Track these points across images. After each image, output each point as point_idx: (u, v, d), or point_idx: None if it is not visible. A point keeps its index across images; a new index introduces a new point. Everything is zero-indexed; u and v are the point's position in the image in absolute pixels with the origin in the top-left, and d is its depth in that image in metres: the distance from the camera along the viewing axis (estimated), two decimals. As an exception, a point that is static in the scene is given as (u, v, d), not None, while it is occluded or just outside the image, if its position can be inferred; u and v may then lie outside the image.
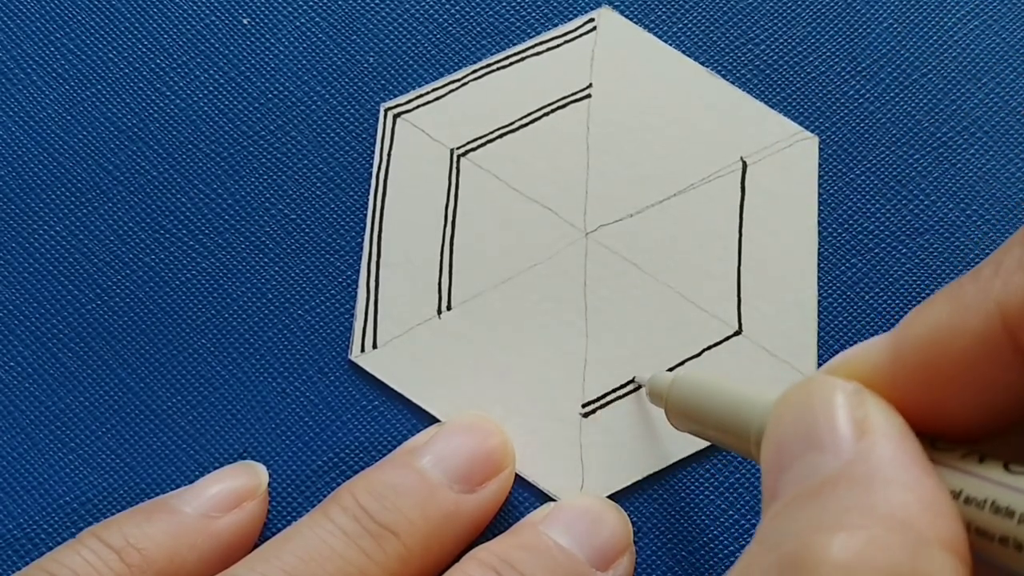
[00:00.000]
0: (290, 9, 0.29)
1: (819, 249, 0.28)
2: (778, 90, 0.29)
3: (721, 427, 0.21)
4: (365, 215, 0.28)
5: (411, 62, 0.29)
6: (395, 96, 0.29)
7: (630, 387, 0.27)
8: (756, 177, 0.28)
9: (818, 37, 0.29)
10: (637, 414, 0.27)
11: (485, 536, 0.25)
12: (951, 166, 0.28)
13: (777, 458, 0.17)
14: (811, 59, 0.29)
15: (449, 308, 0.27)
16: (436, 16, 0.29)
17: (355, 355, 0.27)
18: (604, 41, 0.29)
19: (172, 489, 0.26)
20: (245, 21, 0.29)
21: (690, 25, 0.29)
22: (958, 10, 0.29)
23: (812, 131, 0.28)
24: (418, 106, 0.28)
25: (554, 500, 0.26)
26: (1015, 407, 0.16)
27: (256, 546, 0.24)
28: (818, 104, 0.29)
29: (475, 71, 0.29)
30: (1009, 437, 0.17)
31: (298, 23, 0.29)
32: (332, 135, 0.28)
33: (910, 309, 0.27)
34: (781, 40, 0.29)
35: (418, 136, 0.28)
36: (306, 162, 0.28)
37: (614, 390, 0.27)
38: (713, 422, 0.22)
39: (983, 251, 0.28)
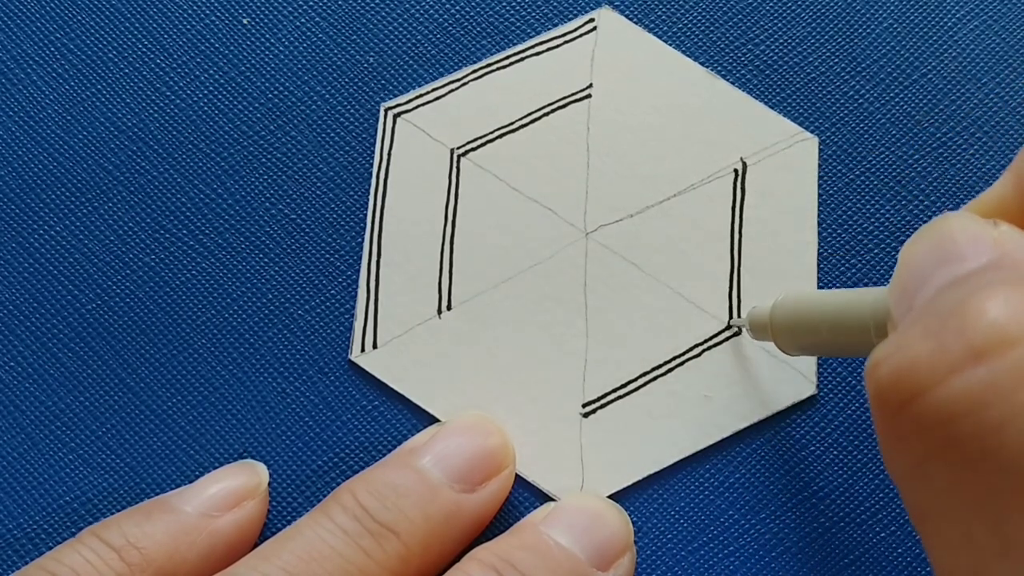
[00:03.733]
0: (290, 9, 0.29)
1: (819, 249, 0.28)
2: (778, 90, 0.29)
3: (835, 327, 0.22)
4: (365, 215, 0.28)
5: (411, 62, 0.29)
6: (395, 96, 0.29)
7: (631, 386, 0.27)
8: (756, 177, 0.28)
9: (818, 37, 0.29)
10: (637, 414, 0.27)
11: (485, 536, 0.25)
12: (951, 166, 0.28)
13: (910, 283, 0.17)
14: (811, 59, 0.29)
15: (449, 308, 0.27)
16: (436, 16, 0.29)
17: (355, 355, 0.27)
18: (604, 41, 0.29)
19: (172, 489, 0.26)
20: (245, 21, 0.29)
21: (690, 25, 0.29)
22: (958, 10, 0.29)
23: (812, 131, 0.28)
24: (418, 106, 0.29)
25: (554, 500, 0.26)
26: None
27: (256, 545, 0.24)
28: (818, 104, 0.29)
29: (475, 71, 0.29)
30: None
31: (298, 23, 0.29)
32: (332, 135, 0.28)
33: (910, 309, 0.27)
34: (781, 40, 0.29)
35: (418, 136, 0.28)
36: (306, 162, 0.28)
37: (614, 390, 0.27)
38: (826, 325, 0.22)
39: (983, 251, 0.28)
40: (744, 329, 0.27)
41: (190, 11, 0.29)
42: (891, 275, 0.28)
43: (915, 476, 0.16)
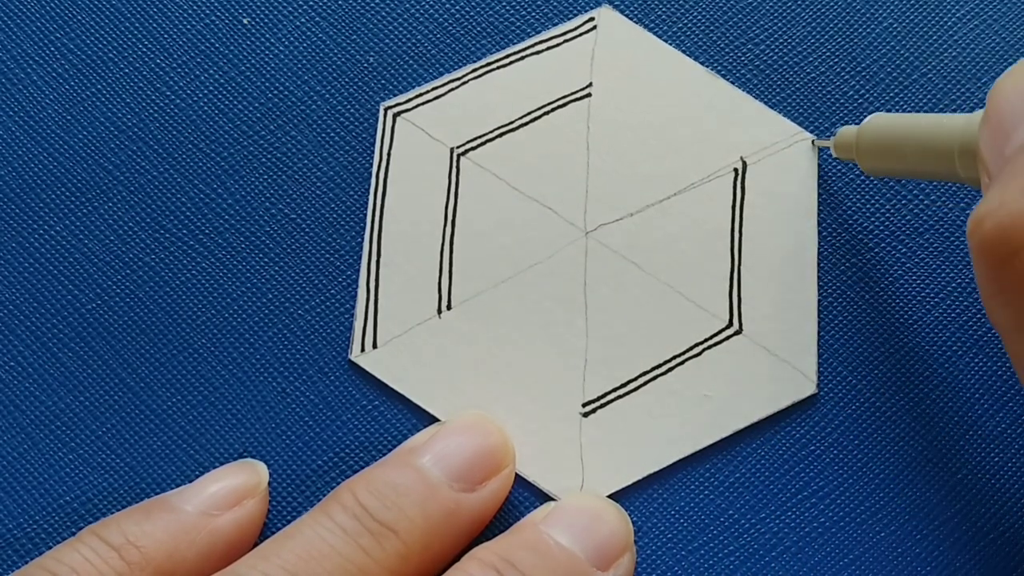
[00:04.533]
0: (290, 9, 0.29)
1: (819, 249, 0.28)
2: (778, 90, 0.29)
3: (920, 149, 0.23)
4: (365, 215, 0.28)
5: (411, 62, 0.29)
6: (395, 96, 0.29)
7: (631, 386, 0.27)
8: (756, 177, 0.28)
9: (818, 37, 0.29)
10: (637, 414, 0.27)
11: (485, 535, 0.25)
12: (951, 166, 0.28)
13: (1000, 126, 0.18)
14: (811, 59, 0.29)
15: (449, 308, 0.27)
16: (436, 16, 0.29)
17: (355, 355, 0.27)
18: (604, 40, 0.29)
19: (172, 489, 0.26)
20: (245, 21, 0.29)
21: (690, 25, 0.29)
22: (958, 10, 0.29)
23: (812, 131, 0.28)
24: (418, 105, 0.29)
25: (554, 500, 0.26)
26: None
27: (256, 544, 0.24)
28: (818, 104, 0.29)
29: (475, 70, 0.29)
30: None
31: (298, 23, 0.29)
32: (332, 135, 0.28)
33: (910, 309, 0.27)
34: (781, 40, 0.29)
35: (418, 135, 0.28)
36: (306, 162, 0.28)
37: (614, 390, 0.27)
38: (911, 147, 0.23)
39: (983, 251, 0.28)
40: (829, 147, 0.27)
41: (190, 11, 0.29)
42: (891, 275, 0.28)
43: (1020, 327, 0.16)
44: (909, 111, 0.29)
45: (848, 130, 0.26)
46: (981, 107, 0.28)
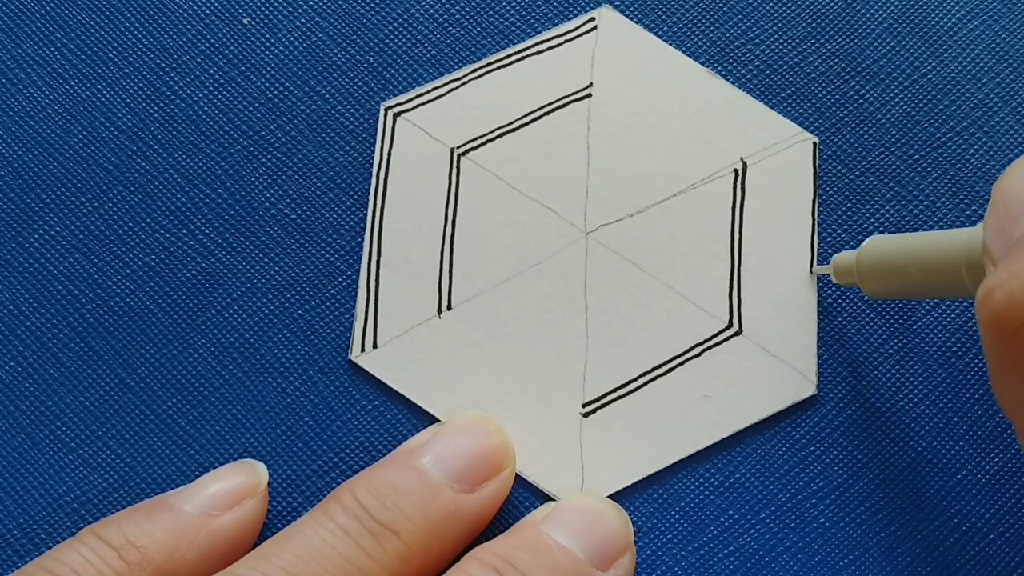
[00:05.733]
0: (290, 9, 0.29)
1: (819, 249, 0.28)
2: (778, 90, 0.29)
3: (925, 267, 0.22)
4: (365, 215, 0.28)
5: (411, 62, 0.29)
6: (395, 96, 0.29)
7: (631, 386, 0.27)
8: (756, 177, 0.28)
9: (818, 37, 0.29)
10: (637, 414, 0.27)
11: (485, 536, 0.25)
12: (951, 166, 0.28)
13: (1007, 216, 0.17)
14: (811, 59, 0.29)
15: (449, 308, 0.27)
16: (436, 16, 0.29)
17: (355, 355, 0.27)
18: (604, 40, 0.29)
19: (172, 489, 0.26)
20: (245, 21, 0.29)
21: (690, 25, 0.29)
22: (958, 10, 0.29)
23: (812, 131, 0.28)
24: (418, 105, 0.29)
25: (554, 500, 0.26)
26: None
27: (256, 545, 0.24)
28: (818, 104, 0.29)
29: (475, 70, 0.29)
30: None
31: (298, 23, 0.29)
32: (332, 135, 0.28)
33: (910, 309, 0.27)
34: (781, 40, 0.29)
35: (418, 135, 0.28)
36: (306, 162, 0.28)
37: (614, 390, 0.27)
38: (916, 266, 0.22)
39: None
40: (829, 274, 0.27)
41: (190, 11, 0.29)
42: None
43: None
44: (909, 111, 0.29)
45: (846, 256, 0.25)
46: (981, 107, 0.28)
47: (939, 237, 0.22)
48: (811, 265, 0.28)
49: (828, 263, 0.27)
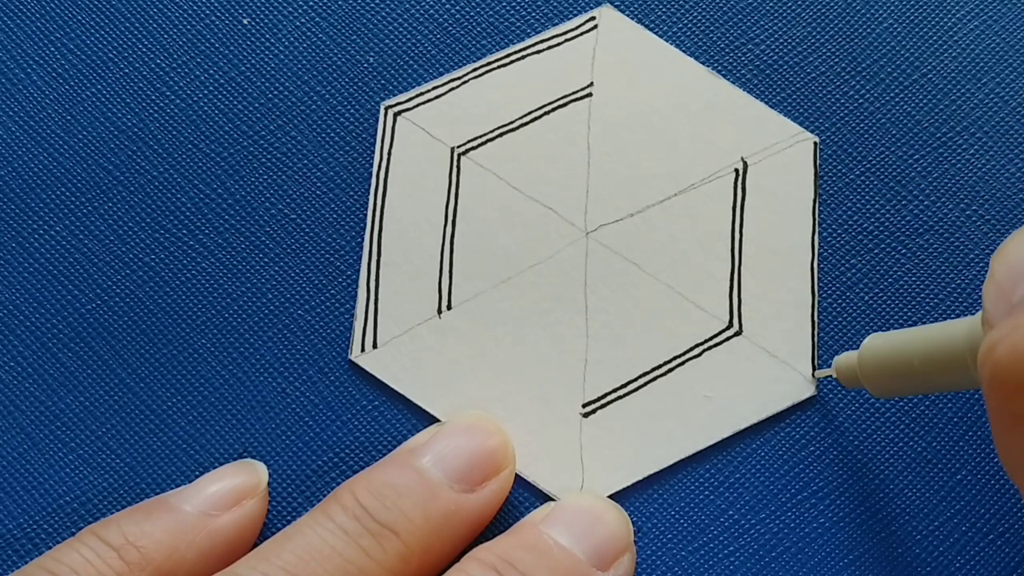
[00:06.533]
0: (290, 9, 0.29)
1: (819, 249, 0.28)
2: (778, 90, 0.29)
3: (928, 361, 0.22)
4: (365, 215, 0.28)
5: (411, 62, 0.29)
6: (395, 96, 0.29)
7: (631, 386, 0.27)
8: (756, 177, 0.28)
9: (818, 37, 0.29)
10: (637, 414, 0.27)
11: (485, 536, 0.25)
12: (951, 166, 0.28)
13: (1007, 282, 0.17)
14: (811, 59, 0.29)
15: (449, 308, 0.27)
16: (436, 16, 0.29)
17: (355, 355, 0.27)
18: (605, 40, 0.29)
19: (172, 489, 0.26)
20: (245, 21, 0.29)
21: (690, 25, 0.29)
22: (958, 10, 0.29)
23: (812, 131, 0.28)
24: (418, 104, 0.28)
25: (554, 500, 0.26)
26: None
27: (256, 545, 0.24)
28: (818, 104, 0.29)
29: (476, 69, 0.29)
30: None
31: (298, 23, 0.29)
32: (332, 135, 0.28)
33: (910, 309, 0.27)
34: (781, 40, 0.29)
35: (418, 134, 0.28)
36: (306, 162, 0.28)
37: (614, 390, 0.27)
38: (919, 361, 0.22)
39: (983, 251, 0.28)
40: (832, 375, 0.26)
41: (190, 11, 0.29)
42: (891, 275, 0.28)
43: None
44: (909, 111, 0.29)
45: (847, 357, 0.25)
46: (981, 107, 0.28)
47: (939, 329, 0.22)
48: (811, 264, 0.27)
49: (830, 365, 0.26)
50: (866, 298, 0.27)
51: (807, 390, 0.27)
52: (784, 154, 0.28)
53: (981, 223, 0.28)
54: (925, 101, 0.29)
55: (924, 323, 0.27)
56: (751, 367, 0.27)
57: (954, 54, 0.29)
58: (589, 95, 0.29)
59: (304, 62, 0.29)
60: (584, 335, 0.27)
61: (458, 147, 0.28)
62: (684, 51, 0.29)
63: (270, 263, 0.28)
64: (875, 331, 0.27)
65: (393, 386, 0.27)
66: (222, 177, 0.28)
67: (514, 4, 0.29)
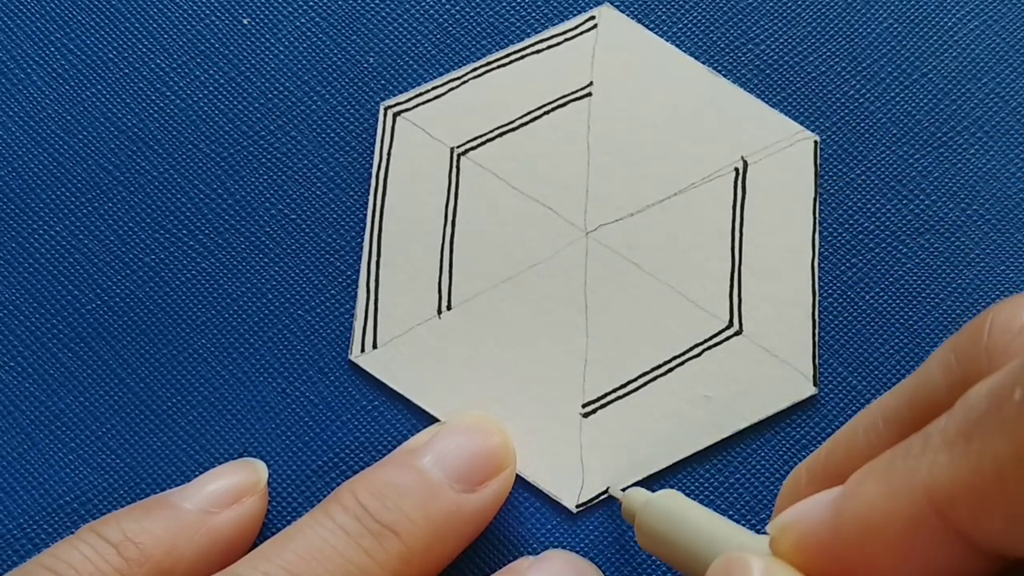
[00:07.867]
0: (290, 9, 0.29)
1: (819, 249, 0.28)
2: (778, 90, 0.29)
3: (681, 561, 0.21)
4: (365, 215, 0.28)
5: (411, 62, 0.29)
6: (395, 96, 0.29)
7: (631, 386, 0.27)
8: (756, 176, 0.28)
9: (818, 37, 0.29)
10: (637, 414, 0.27)
11: (485, 537, 0.25)
12: (951, 166, 0.28)
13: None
14: (811, 59, 0.29)
15: (449, 308, 0.27)
16: (436, 16, 0.29)
17: (355, 355, 0.27)
18: (605, 39, 0.29)
19: (172, 488, 0.26)
20: (245, 21, 0.29)
21: (690, 25, 0.29)
22: (958, 10, 0.29)
23: (812, 130, 0.28)
24: (418, 104, 0.28)
25: (555, 500, 0.26)
26: None
27: (256, 544, 0.24)
28: (818, 104, 0.29)
29: (475, 69, 0.29)
30: None
31: (298, 23, 0.29)
32: (332, 135, 0.28)
33: (910, 309, 0.27)
34: (781, 40, 0.29)
35: (418, 135, 0.28)
36: (306, 162, 0.28)
37: (614, 390, 0.27)
38: (678, 554, 0.21)
39: (983, 251, 0.28)
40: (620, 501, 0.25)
41: (190, 11, 0.29)
42: (891, 275, 0.28)
43: None
44: (909, 111, 0.29)
45: (637, 495, 0.24)
46: (981, 107, 0.28)
47: (702, 540, 0.20)
48: (812, 264, 0.27)
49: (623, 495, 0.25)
50: (866, 298, 0.27)
51: (807, 390, 0.27)
52: (784, 153, 0.28)
53: (981, 223, 0.28)
54: (925, 101, 0.29)
55: (924, 322, 0.27)
56: (751, 366, 0.27)
57: (954, 54, 0.29)
58: (589, 95, 0.29)
59: (304, 62, 0.29)
60: (584, 335, 0.27)
61: (458, 147, 0.28)
62: (684, 51, 0.29)
63: (270, 263, 0.28)
64: (875, 330, 0.27)
65: (393, 386, 0.27)
66: (222, 177, 0.28)
67: (514, 4, 0.29)
